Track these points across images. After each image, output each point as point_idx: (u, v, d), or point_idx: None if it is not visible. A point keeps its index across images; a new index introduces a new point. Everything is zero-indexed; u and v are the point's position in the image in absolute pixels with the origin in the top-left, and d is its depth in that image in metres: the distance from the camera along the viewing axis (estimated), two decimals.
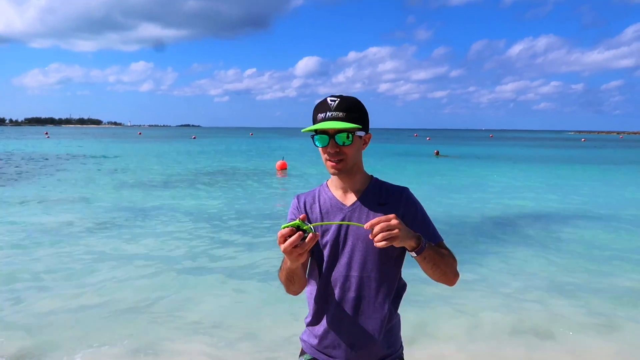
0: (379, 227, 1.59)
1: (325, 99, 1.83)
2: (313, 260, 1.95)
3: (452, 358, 4.56)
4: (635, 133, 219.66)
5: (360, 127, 1.81)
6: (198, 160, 30.25)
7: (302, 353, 2.06)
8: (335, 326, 1.92)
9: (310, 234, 1.58)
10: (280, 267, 1.88)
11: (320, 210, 1.95)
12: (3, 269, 7.24)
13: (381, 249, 1.79)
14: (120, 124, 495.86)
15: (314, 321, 1.99)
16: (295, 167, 24.32)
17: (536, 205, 13.62)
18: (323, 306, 1.96)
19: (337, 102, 1.80)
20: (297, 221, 1.58)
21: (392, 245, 1.68)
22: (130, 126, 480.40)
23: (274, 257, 7.98)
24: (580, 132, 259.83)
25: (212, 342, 4.87)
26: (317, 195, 2.00)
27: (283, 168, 22.92)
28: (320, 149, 1.88)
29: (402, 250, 1.91)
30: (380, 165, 26.35)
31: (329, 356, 1.95)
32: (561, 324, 5.37)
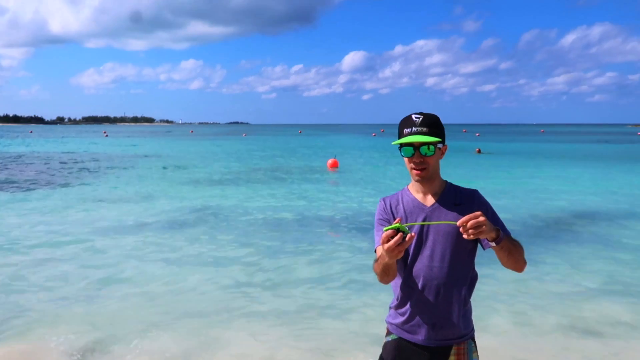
0: (472, 222, 1.88)
1: (410, 116, 2.18)
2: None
3: (502, 351, 4.90)
4: None
5: (440, 140, 2.17)
6: (251, 159, 31.08)
7: (388, 333, 2.35)
8: (419, 309, 2.22)
9: (409, 235, 1.88)
10: (376, 261, 2.16)
11: (405, 210, 2.25)
12: (72, 265, 7.81)
13: (457, 243, 2.16)
14: (171, 122, 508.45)
15: (400, 305, 2.29)
16: (345, 165, 24.69)
17: (589, 204, 13.56)
18: (408, 292, 2.25)
19: (420, 119, 2.15)
20: (397, 224, 1.88)
21: (468, 239, 2.03)
22: (182, 124, 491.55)
23: (334, 255, 8.47)
24: (638, 125, 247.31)
25: (286, 335, 5.29)
26: (400, 197, 2.30)
27: (334, 166, 23.27)
28: (406, 159, 2.19)
29: (475, 244, 2.23)
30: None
31: (413, 334, 2.24)
32: (612, 323, 5.60)
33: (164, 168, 24.65)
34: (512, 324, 5.59)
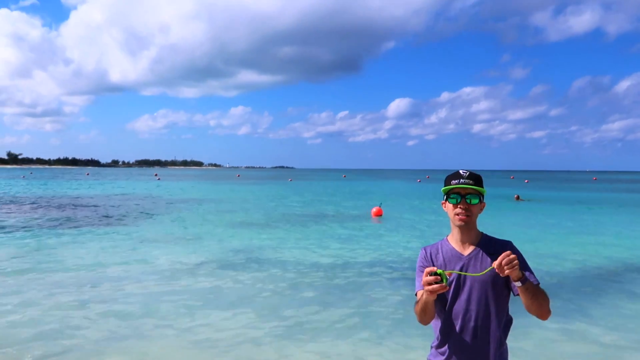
0: (506, 260, 2.18)
1: (458, 171, 2.50)
2: (438, 299, 2.43)
3: None
4: None
5: (485, 191, 2.48)
6: (296, 204, 31.67)
7: None
8: (457, 349, 2.44)
9: (443, 284, 2.21)
10: (417, 302, 2.41)
11: (444, 259, 2.50)
12: (123, 303, 8.30)
13: (492, 288, 2.40)
14: (219, 166, 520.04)
15: (440, 345, 2.51)
16: (389, 212, 24.66)
17: (635, 256, 13.33)
18: (447, 333, 2.46)
19: (467, 173, 2.47)
20: (440, 270, 2.24)
21: (502, 285, 2.37)
22: (229, 168, 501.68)
23: (377, 300, 8.71)
24: None
25: None
26: (440, 247, 2.55)
27: (379, 214, 23.21)
28: (451, 206, 2.48)
29: (508, 291, 2.45)
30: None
31: None
32: None
33: (212, 211, 25.52)
34: None
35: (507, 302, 2.48)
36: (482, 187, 2.49)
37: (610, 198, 41.69)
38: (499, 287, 2.41)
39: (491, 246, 2.49)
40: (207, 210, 26.42)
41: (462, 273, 2.42)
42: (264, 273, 10.94)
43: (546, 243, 15.53)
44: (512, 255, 2.17)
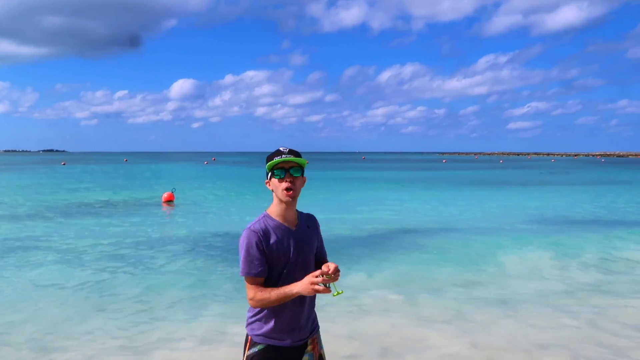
0: (337, 274, 2.47)
1: (279, 149, 2.59)
2: (273, 278, 2.59)
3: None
4: (488, 154, 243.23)
5: (306, 162, 2.59)
6: (74, 191, 28.76)
7: (253, 344, 2.64)
8: (288, 317, 2.61)
9: (328, 288, 2.42)
10: (260, 288, 2.53)
11: (276, 236, 2.57)
12: None
13: (313, 264, 2.71)
14: None
15: (269, 316, 2.61)
16: (180, 198, 23.72)
17: (391, 221, 15.16)
18: (283, 304, 2.57)
19: (287, 149, 2.58)
20: (334, 284, 2.48)
21: (315, 260, 2.73)
22: None
23: (173, 281, 8.59)
24: (443, 153, 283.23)
25: None
26: (266, 224, 2.58)
27: (170, 200, 22.38)
28: (277, 181, 2.55)
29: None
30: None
31: (281, 340, 2.62)
32: (384, 308, 6.98)
33: None
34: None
35: None
36: (303, 159, 2.60)
37: (377, 175, 47.98)
38: (314, 258, 2.75)
39: (306, 220, 2.73)
40: None
41: (331, 281, 2.50)
42: (40, 267, 9.84)
43: (325, 214, 16.97)
44: (333, 266, 2.47)
